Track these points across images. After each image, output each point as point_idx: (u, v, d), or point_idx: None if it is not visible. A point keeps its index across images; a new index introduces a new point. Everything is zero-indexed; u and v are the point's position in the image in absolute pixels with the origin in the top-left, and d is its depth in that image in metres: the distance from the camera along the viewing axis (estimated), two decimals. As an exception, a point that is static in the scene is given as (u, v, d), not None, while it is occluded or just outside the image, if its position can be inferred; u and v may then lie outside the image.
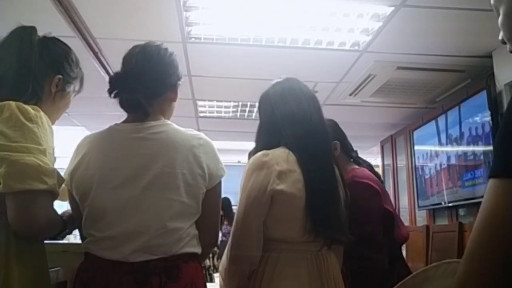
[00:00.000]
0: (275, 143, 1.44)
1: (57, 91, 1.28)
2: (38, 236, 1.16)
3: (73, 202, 1.28)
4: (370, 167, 1.99)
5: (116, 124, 1.31)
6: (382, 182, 2.00)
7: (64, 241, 2.16)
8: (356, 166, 1.94)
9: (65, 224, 1.25)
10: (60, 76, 1.28)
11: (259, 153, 1.39)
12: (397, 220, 1.94)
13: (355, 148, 2.07)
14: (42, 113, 1.13)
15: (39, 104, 1.19)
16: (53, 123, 1.28)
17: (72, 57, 1.34)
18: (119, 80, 1.28)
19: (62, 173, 1.19)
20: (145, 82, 1.27)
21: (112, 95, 1.28)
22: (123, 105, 1.30)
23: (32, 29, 1.26)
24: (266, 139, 1.48)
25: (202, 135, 1.30)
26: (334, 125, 1.99)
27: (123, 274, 1.13)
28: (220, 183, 1.30)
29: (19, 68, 1.19)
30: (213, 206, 1.30)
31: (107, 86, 1.29)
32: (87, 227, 1.22)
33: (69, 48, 1.35)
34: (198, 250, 1.24)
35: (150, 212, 1.18)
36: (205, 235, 1.27)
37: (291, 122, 1.43)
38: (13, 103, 1.09)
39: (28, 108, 1.10)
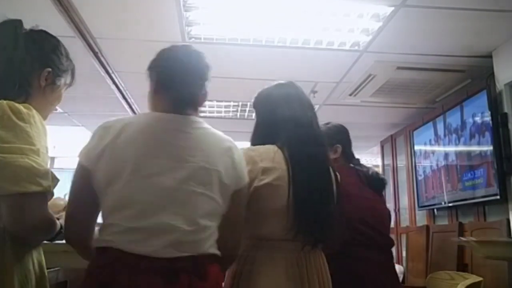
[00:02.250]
0: (270, 143, 1.45)
1: (47, 85, 1.24)
2: (34, 238, 1.14)
3: (84, 184, 1.17)
4: (358, 165, 1.99)
5: (153, 112, 1.27)
6: (371, 177, 1.98)
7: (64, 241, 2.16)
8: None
9: (62, 225, 1.20)
10: (49, 69, 1.24)
11: (246, 148, 1.42)
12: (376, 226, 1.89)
13: (355, 148, 2.07)
14: (34, 112, 1.10)
15: (29, 100, 1.16)
16: (45, 118, 1.27)
17: (60, 50, 1.30)
18: (178, 75, 1.27)
19: (56, 174, 1.16)
20: (196, 80, 1.30)
21: (165, 89, 1.26)
22: (175, 100, 1.25)
23: (17, 23, 1.24)
24: (262, 139, 1.50)
25: (231, 139, 1.31)
26: (344, 131, 2.01)
27: (150, 271, 1.06)
28: (246, 187, 1.30)
29: (4, 64, 1.17)
30: (238, 209, 1.28)
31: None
32: (110, 215, 1.12)
33: (57, 40, 1.31)
34: (218, 252, 1.20)
35: (185, 206, 1.13)
36: (227, 238, 1.23)
37: (293, 124, 1.45)
38: (4, 103, 1.07)
39: (20, 107, 1.08)
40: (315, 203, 1.37)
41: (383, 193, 2.03)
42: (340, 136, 1.98)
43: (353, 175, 1.91)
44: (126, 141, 1.15)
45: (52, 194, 1.12)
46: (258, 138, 1.52)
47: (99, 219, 1.21)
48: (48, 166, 1.09)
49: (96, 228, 1.21)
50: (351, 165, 1.99)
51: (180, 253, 1.09)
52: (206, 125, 1.28)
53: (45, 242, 1.23)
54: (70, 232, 1.18)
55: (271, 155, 1.40)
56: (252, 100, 1.64)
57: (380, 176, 1.99)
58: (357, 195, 1.84)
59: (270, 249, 1.35)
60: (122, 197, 1.11)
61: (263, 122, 1.54)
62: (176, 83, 1.26)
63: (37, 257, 1.16)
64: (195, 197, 1.15)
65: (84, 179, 1.17)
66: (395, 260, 4.93)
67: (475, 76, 3.39)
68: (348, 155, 1.99)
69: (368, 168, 2.00)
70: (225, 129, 1.34)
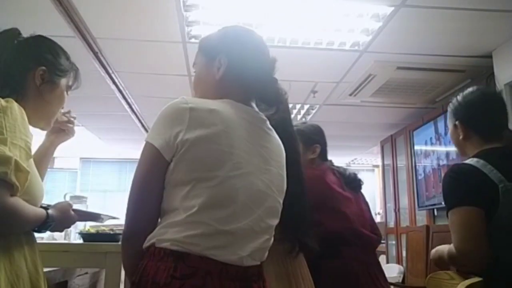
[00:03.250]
0: None
1: (43, 84, 1.20)
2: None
3: (160, 176, 0.99)
4: (336, 167, 2.01)
5: (234, 102, 1.09)
6: (358, 185, 1.99)
7: (65, 241, 2.16)
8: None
9: (49, 215, 1.12)
10: (44, 68, 1.20)
11: None
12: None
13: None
14: (15, 105, 1.07)
15: (24, 100, 1.15)
16: (48, 118, 1.25)
17: (57, 50, 1.27)
18: (269, 67, 1.16)
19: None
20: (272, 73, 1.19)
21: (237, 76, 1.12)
22: (267, 95, 1.16)
23: (13, 31, 1.23)
24: None
25: None
26: (321, 130, 2.03)
27: (227, 282, 0.94)
28: None
29: None
30: None
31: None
32: (198, 212, 0.95)
33: (54, 42, 1.29)
34: None
35: (268, 213, 1.05)
36: None
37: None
38: None
39: None
40: (300, 206, 1.39)
41: (361, 194, 2.02)
42: (318, 136, 1.99)
43: (333, 175, 1.92)
44: (225, 132, 1.00)
45: (12, 184, 0.99)
46: None
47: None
48: (22, 160, 1.01)
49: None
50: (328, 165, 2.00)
51: (255, 261, 1.02)
52: None
53: (47, 242, 1.20)
54: (136, 232, 1.00)
55: None
56: None
57: (357, 177, 1.99)
58: (342, 194, 1.85)
59: None
60: (218, 194, 0.97)
61: None
62: (251, 72, 1.13)
63: (30, 255, 1.10)
64: (275, 204, 1.08)
65: (161, 169, 0.99)
66: (395, 260, 4.95)
67: (475, 76, 3.39)
68: (324, 156, 2.00)
69: (345, 169, 2.01)
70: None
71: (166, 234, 0.95)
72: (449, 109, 1.66)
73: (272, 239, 1.09)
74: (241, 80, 1.11)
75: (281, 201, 1.11)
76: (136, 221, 1.00)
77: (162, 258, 0.93)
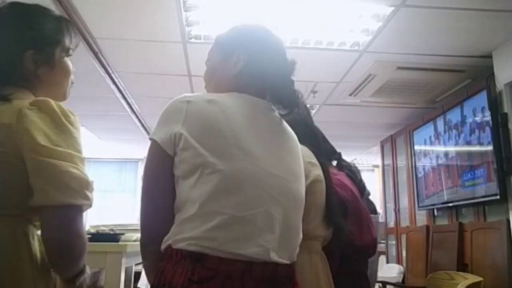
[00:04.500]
0: None
1: (40, 65, 1.03)
2: (72, 260, 0.98)
3: (169, 172, 0.96)
4: (350, 171, 1.97)
5: (240, 94, 1.06)
6: (364, 188, 1.96)
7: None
8: (335, 171, 1.92)
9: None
10: (31, 51, 1.01)
11: None
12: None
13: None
14: (77, 118, 0.98)
15: (38, 91, 1.02)
16: (63, 93, 1.11)
17: (32, 17, 1.05)
18: (288, 67, 1.12)
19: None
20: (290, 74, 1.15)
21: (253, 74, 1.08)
22: (284, 96, 1.11)
23: None
24: None
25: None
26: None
27: (250, 283, 0.88)
28: None
29: None
30: None
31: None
32: (210, 200, 0.90)
33: (25, 7, 1.06)
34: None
35: (291, 197, 1.00)
36: None
37: None
38: (52, 101, 0.94)
39: (68, 110, 0.95)
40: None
41: None
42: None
43: (353, 184, 1.90)
44: (222, 117, 0.97)
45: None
46: None
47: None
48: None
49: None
50: None
51: (284, 259, 0.94)
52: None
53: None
54: (154, 236, 0.96)
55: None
56: None
57: (365, 185, 1.99)
58: (363, 205, 1.86)
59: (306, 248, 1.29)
60: (227, 178, 0.91)
61: None
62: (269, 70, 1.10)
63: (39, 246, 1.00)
64: (295, 189, 1.03)
65: (166, 164, 0.97)
66: (395, 260, 4.95)
67: (475, 76, 3.39)
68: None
69: (356, 174, 2.00)
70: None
71: (181, 233, 0.90)
72: None
73: (301, 234, 1.03)
74: (258, 78, 1.08)
75: (301, 189, 1.05)
76: (151, 223, 0.97)
77: (179, 261, 0.88)
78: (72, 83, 1.14)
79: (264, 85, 1.09)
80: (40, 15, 1.07)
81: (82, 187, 0.91)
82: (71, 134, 0.93)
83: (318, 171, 1.34)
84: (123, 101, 4.07)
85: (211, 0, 2.49)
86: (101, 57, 3.12)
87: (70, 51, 1.11)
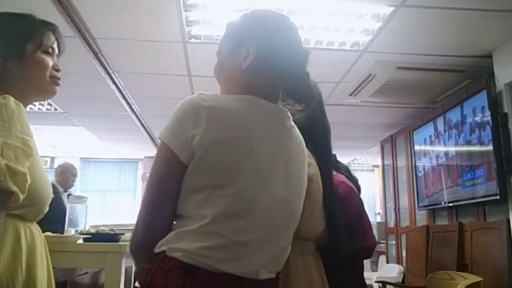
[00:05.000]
0: None
1: (10, 63, 1.10)
2: None
3: (176, 179, 0.91)
4: (347, 172, 1.97)
5: (256, 99, 0.99)
6: (359, 188, 1.96)
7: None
8: (334, 173, 1.92)
9: None
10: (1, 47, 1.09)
11: None
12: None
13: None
14: (11, 101, 1.00)
15: (11, 85, 1.08)
16: (39, 88, 1.16)
17: (5, 21, 1.14)
18: (301, 61, 1.05)
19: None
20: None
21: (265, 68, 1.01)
22: (297, 91, 1.05)
23: None
24: None
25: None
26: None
27: None
28: None
29: None
30: None
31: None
32: (214, 222, 0.88)
33: (2, 16, 1.15)
34: None
35: (288, 219, 0.99)
36: None
37: None
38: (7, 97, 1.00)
39: (7, 102, 1.00)
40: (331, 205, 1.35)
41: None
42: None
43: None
44: (243, 133, 0.92)
45: None
46: None
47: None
48: (18, 160, 0.95)
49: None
50: None
51: (271, 274, 0.94)
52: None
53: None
54: (150, 242, 0.92)
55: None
56: None
57: (360, 187, 1.99)
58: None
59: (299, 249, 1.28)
60: (237, 203, 0.89)
61: None
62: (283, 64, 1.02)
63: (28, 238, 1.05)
64: (295, 210, 1.01)
65: (177, 172, 0.91)
66: (395, 260, 4.95)
67: (475, 76, 3.39)
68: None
69: (352, 176, 2.00)
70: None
71: (179, 243, 0.88)
72: None
73: (290, 247, 1.03)
74: (269, 72, 1.00)
75: (301, 206, 1.04)
76: (151, 229, 0.92)
77: (171, 269, 0.86)
78: (58, 78, 1.20)
79: (276, 79, 1.02)
80: (14, 17, 1.17)
81: None
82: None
83: (312, 170, 1.29)
84: (123, 101, 4.07)
85: (211, 0, 2.49)
86: (101, 57, 3.12)
87: (49, 49, 1.18)
